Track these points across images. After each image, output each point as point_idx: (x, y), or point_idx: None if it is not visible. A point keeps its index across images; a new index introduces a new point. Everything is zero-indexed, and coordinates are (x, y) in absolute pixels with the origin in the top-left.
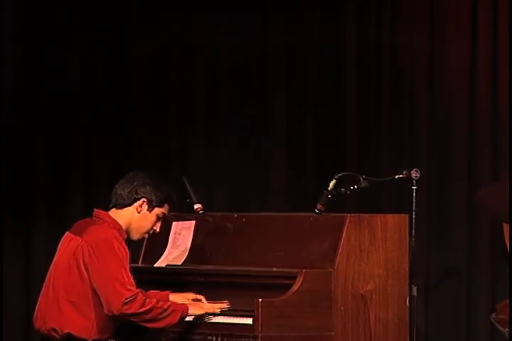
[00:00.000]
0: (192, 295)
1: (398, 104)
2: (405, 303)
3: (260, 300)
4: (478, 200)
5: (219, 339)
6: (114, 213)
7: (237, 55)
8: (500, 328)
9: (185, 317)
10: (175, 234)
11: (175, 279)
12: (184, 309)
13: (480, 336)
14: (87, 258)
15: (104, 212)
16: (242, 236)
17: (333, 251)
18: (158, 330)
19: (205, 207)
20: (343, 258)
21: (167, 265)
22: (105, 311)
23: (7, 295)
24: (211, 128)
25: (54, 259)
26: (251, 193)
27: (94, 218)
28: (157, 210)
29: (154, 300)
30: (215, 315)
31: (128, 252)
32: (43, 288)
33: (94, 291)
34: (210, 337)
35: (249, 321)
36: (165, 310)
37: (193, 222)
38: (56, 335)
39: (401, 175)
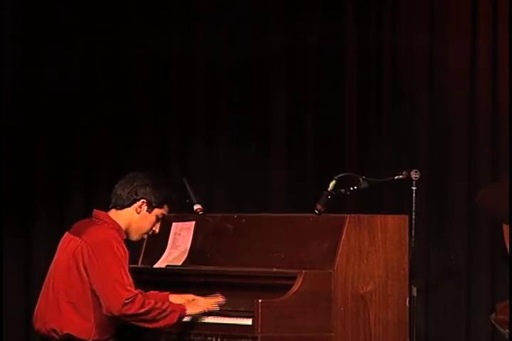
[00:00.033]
0: (192, 296)
1: (398, 104)
2: (405, 304)
3: (260, 300)
4: (478, 201)
5: (219, 339)
6: (113, 214)
7: (237, 55)
8: (501, 329)
9: (184, 317)
10: (175, 234)
11: (175, 280)
12: (182, 309)
13: (480, 337)
14: (86, 258)
15: (103, 213)
16: (242, 237)
17: (332, 252)
18: (158, 331)
19: (204, 208)
20: (343, 258)
21: (167, 265)
22: (104, 312)
23: (7, 295)
24: (211, 128)
25: (53, 260)
26: (251, 193)
27: (93, 219)
28: (156, 211)
29: (153, 301)
30: (214, 314)
31: (127, 253)
32: (43, 289)
33: (93, 292)
34: (209, 338)
35: (249, 322)
36: (164, 310)
37: (193, 222)
38: (56, 336)
39: (401, 176)
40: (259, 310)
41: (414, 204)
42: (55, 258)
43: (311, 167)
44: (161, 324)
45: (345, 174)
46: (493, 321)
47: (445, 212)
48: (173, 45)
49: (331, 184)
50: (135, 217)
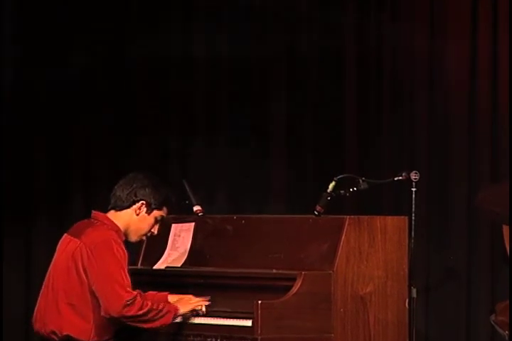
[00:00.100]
0: (190, 297)
1: (398, 103)
2: (405, 305)
3: (260, 301)
4: (478, 202)
5: (218, 340)
6: (112, 215)
7: (237, 55)
8: (500, 331)
9: (177, 317)
10: (174, 235)
11: (174, 281)
12: (176, 309)
13: (480, 337)
14: (85, 260)
15: (102, 214)
16: (241, 238)
17: (332, 253)
18: (157, 332)
19: (204, 209)
20: (343, 260)
21: (166, 267)
22: (102, 313)
23: (7, 295)
24: (211, 128)
25: (52, 261)
26: (251, 193)
27: (92, 220)
28: (156, 213)
29: (149, 302)
30: (214, 315)
31: (127, 254)
32: (42, 290)
33: (92, 293)
34: (209, 339)
35: (248, 323)
36: (160, 311)
37: (193, 223)
38: (55, 337)
39: (400, 177)
40: (259, 311)
41: (413, 206)
42: (54, 259)
43: (311, 167)
44: (157, 324)
45: (345, 175)
46: (492, 322)
47: (445, 212)
48: (173, 45)
49: (331, 185)
50: (134, 219)
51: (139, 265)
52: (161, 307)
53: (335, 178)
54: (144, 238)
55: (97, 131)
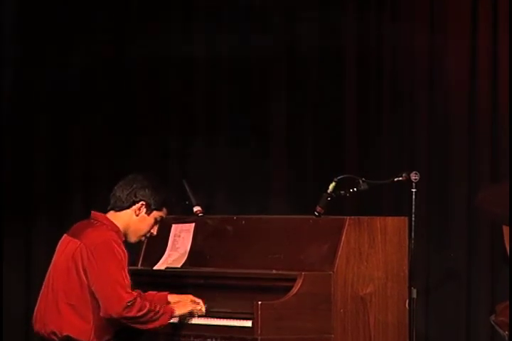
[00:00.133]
0: (191, 297)
1: (398, 104)
2: (405, 306)
3: (260, 302)
4: (477, 202)
5: None
6: (112, 215)
7: (237, 55)
8: (500, 331)
9: (172, 318)
10: (174, 236)
11: (174, 281)
12: (172, 310)
13: (480, 338)
14: (85, 261)
15: (102, 215)
16: (241, 239)
17: (332, 254)
18: (157, 333)
19: (204, 210)
20: (343, 260)
21: (166, 267)
22: (102, 314)
23: (7, 295)
24: (211, 128)
25: (52, 262)
26: (251, 193)
27: (92, 220)
28: (155, 213)
29: (148, 303)
30: (214, 316)
31: (127, 254)
32: (42, 291)
33: (92, 294)
34: (209, 340)
35: (248, 323)
36: (157, 312)
37: (193, 224)
38: (55, 338)
39: (400, 178)
40: (259, 312)
41: (413, 206)
42: (53, 260)
43: (311, 167)
44: (155, 324)
45: (345, 176)
46: (492, 322)
47: (445, 212)
48: (173, 45)
49: (331, 186)
50: (134, 219)
51: (139, 265)
52: (158, 308)
53: (335, 179)
54: (143, 238)
55: (97, 131)
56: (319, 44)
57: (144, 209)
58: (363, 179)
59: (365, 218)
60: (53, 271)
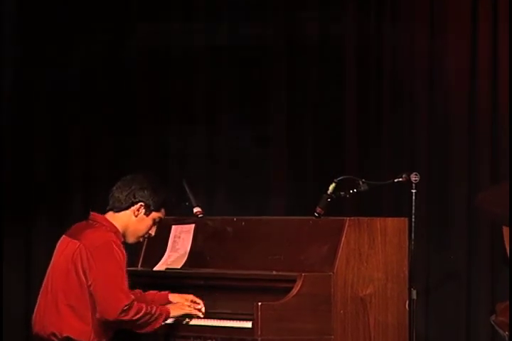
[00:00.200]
0: (191, 297)
1: (398, 104)
2: (405, 307)
3: (260, 303)
4: (477, 203)
5: None
6: (110, 216)
7: (237, 55)
8: (501, 331)
9: (167, 319)
10: (174, 237)
11: (174, 282)
12: (167, 312)
13: (480, 338)
14: (85, 262)
15: (100, 216)
16: (241, 240)
17: (332, 255)
18: (157, 333)
19: (204, 210)
20: (343, 261)
21: (166, 268)
22: (98, 316)
23: (7, 295)
24: (211, 128)
25: (51, 263)
26: (251, 193)
27: (90, 221)
28: (154, 214)
29: (144, 306)
30: (214, 317)
31: (125, 255)
32: (41, 292)
33: (91, 296)
34: None
35: (248, 324)
36: (153, 314)
37: (193, 225)
38: (55, 339)
39: (400, 179)
40: (259, 313)
41: (413, 207)
42: (52, 261)
43: (311, 167)
44: (149, 328)
45: (345, 177)
46: (493, 322)
47: (445, 212)
48: (173, 45)
49: (331, 187)
50: (132, 220)
51: (139, 266)
52: (153, 310)
53: (335, 180)
54: (142, 239)
55: (97, 131)
56: (319, 44)
57: (143, 210)
58: (363, 180)
59: (365, 219)
60: (52, 272)
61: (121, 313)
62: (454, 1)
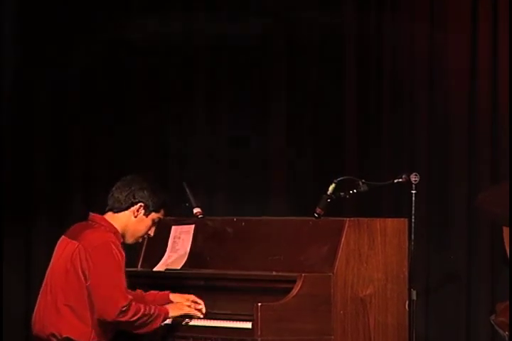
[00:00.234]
0: (192, 297)
1: (398, 104)
2: (405, 307)
3: (260, 304)
4: (477, 203)
5: None
6: (110, 217)
7: (237, 55)
8: (501, 332)
9: (165, 320)
10: (174, 238)
11: (174, 283)
12: (166, 312)
13: (480, 338)
14: (84, 262)
15: (100, 216)
16: (241, 240)
17: (332, 255)
18: (157, 334)
19: (204, 211)
20: (343, 262)
21: (166, 269)
22: (96, 316)
23: (7, 295)
24: (211, 128)
25: (51, 263)
26: (251, 193)
27: (89, 222)
28: (153, 215)
29: (142, 307)
30: (214, 318)
31: (124, 256)
32: (41, 292)
33: (91, 296)
34: None
35: (248, 325)
36: (151, 315)
37: (193, 226)
38: (55, 340)
39: (400, 179)
40: (259, 314)
41: (413, 208)
42: (51, 261)
43: (311, 167)
44: (147, 329)
45: (345, 177)
46: (492, 322)
47: (445, 213)
48: (173, 45)
49: (331, 187)
50: (132, 221)
51: (139, 267)
52: (151, 311)
53: (335, 180)
54: (140, 240)
55: (97, 131)
56: (319, 44)
57: (143, 211)
58: (363, 180)
59: (365, 219)
60: (52, 272)
61: (119, 314)
62: (454, 0)
